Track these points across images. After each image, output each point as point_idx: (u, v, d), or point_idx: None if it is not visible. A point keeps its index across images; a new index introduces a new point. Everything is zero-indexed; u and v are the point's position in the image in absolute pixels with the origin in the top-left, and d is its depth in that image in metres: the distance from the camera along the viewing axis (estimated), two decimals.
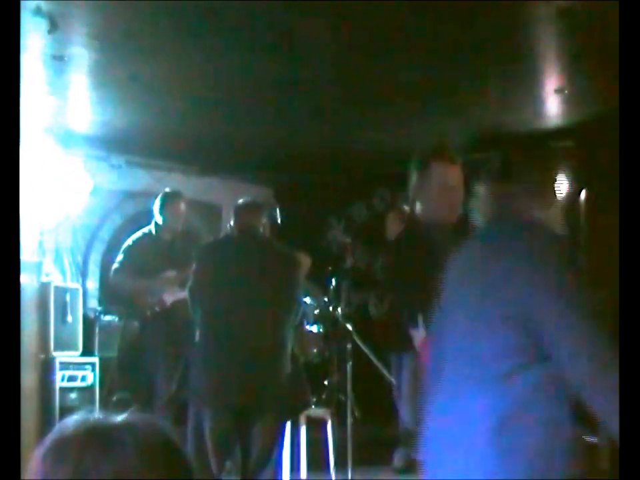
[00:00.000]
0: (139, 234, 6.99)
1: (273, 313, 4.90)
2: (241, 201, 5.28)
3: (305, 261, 5.20)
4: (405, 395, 6.88)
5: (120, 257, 6.90)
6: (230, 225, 5.24)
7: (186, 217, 7.16)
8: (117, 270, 6.89)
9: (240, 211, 5.15)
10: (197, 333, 5.04)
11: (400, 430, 6.96)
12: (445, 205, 3.69)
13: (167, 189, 7.03)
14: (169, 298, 6.68)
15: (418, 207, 3.82)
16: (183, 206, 6.97)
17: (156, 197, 6.96)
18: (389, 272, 4.12)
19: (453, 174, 3.71)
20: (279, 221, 7.41)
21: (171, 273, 6.74)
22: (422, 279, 3.28)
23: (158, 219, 6.86)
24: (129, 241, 6.96)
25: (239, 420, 4.86)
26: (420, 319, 3.40)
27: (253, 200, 5.33)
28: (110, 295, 7.60)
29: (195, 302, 5.09)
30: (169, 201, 6.88)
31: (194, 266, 5.15)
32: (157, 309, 6.73)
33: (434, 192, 3.69)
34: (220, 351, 4.84)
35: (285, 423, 5.19)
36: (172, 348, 6.36)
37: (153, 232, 6.90)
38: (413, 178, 3.79)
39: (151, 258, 6.75)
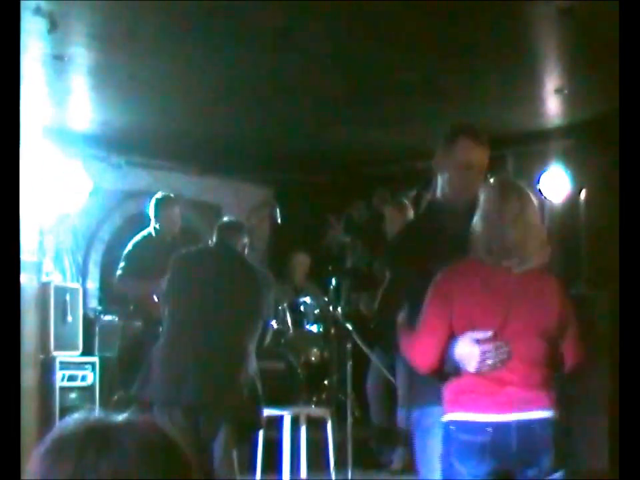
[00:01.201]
0: (138, 237, 6.97)
1: (237, 327, 5.02)
2: (224, 219, 5.57)
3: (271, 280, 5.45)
4: (399, 396, 6.87)
5: (122, 263, 6.89)
6: (211, 240, 5.42)
7: (184, 218, 7.16)
8: (120, 276, 6.88)
9: (221, 229, 5.33)
10: (160, 335, 5.19)
11: (397, 431, 6.97)
12: (463, 182, 3.68)
13: (159, 194, 6.98)
14: None
15: (438, 181, 3.83)
16: (177, 209, 6.96)
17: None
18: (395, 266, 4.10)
19: (477, 153, 3.70)
20: (279, 221, 7.43)
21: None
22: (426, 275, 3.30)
23: (154, 223, 6.85)
24: (129, 246, 6.95)
25: (195, 419, 4.93)
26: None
27: (235, 221, 5.57)
28: (113, 298, 7.60)
29: (164, 306, 5.27)
30: (161, 206, 6.87)
31: (168, 273, 5.25)
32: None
33: (455, 166, 3.70)
34: (180, 352, 4.96)
35: (244, 431, 5.24)
36: None
37: (153, 234, 6.90)
38: (439, 151, 3.81)
39: (153, 260, 6.74)
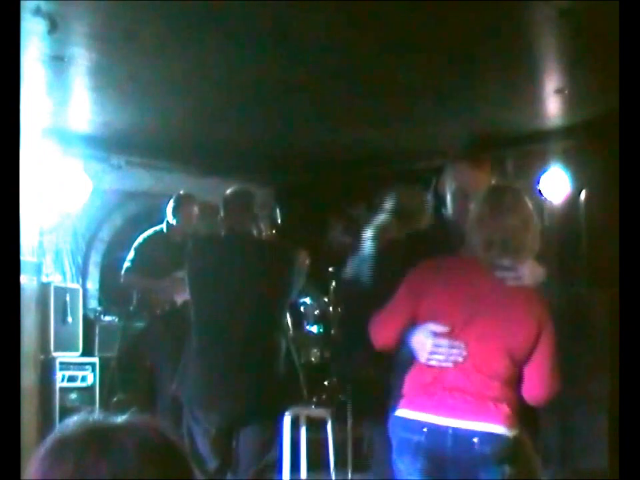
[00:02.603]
0: (150, 232, 6.99)
1: (264, 315, 4.78)
2: (229, 191, 4.96)
3: (302, 256, 5.06)
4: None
5: (131, 255, 6.89)
6: (220, 218, 4.95)
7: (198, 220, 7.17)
8: (128, 269, 6.88)
9: (227, 208, 4.89)
10: (192, 334, 5.02)
11: None
12: (457, 209, 3.72)
13: (182, 191, 7.06)
14: (180, 298, 6.68)
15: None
16: (196, 209, 7.03)
17: (156, 198, 6.97)
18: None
19: (474, 179, 3.74)
20: (279, 221, 7.43)
21: (181, 274, 6.74)
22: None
23: (170, 219, 6.87)
24: (140, 239, 6.95)
25: (229, 423, 4.85)
26: None
27: (240, 191, 4.99)
28: (114, 292, 7.59)
29: (191, 303, 5.05)
30: (183, 203, 6.92)
31: (185, 269, 5.05)
32: (167, 307, 6.74)
33: (452, 192, 3.76)
34: (211, 354, 4.79)
35: (276, 422, 5.17)
36: (177, 348, 6.36)
37: (165, 231, 6.92)
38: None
39: (162, 257, 6.75)
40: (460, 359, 3.16)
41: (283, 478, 5.98)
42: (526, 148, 7.64)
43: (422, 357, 3.22)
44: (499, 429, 3.12)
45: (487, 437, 3.11)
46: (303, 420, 6.22)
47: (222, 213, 4.91)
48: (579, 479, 5.18)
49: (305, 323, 7.18)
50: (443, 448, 3.13)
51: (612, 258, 3.31)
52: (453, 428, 3.12)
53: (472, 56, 5.53)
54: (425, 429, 3.16)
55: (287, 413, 6.07)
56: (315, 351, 6.96)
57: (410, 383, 3.28)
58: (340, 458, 6.20)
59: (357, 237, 8.70)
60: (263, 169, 8.65)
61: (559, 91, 6.27)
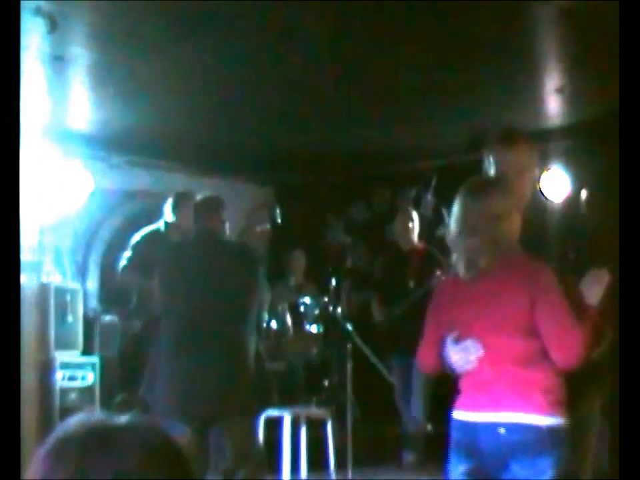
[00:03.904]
0: (147, 230, 6.97)
1: (233, 315, 4.89)
2: (198, 198, 5.25)
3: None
4: (416, 395, 6.93)
5: (128, 254, 6.88)
6: (191, 222, 5.21)
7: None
8: (125, 267, 6.87)
9: (197, 211, 5.14)
10: (161, 338, 5.07)
11: (408, 430, 7.00)
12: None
13: (180, 189, 7.04)
14: None
15: None
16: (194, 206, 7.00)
17: (156, 197, 6.96)
18: None
19: (510, 158, 3.72)
20: (279, 221, 7.43)
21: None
22: None
23: (169, 217, 6.86)
24: (137, 237, 6.94)
25: (205, 427, 4.87)
26: None
27: (210, 197, 5.24)
28: (114, 292, 7.59)
29: (162, 305, 5.16)
30: (182, 201, 6.90)
31: (157, 270, 5.16)
32: None
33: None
34: (181, 360, 4.84)
35: (254, 421, 5.19)
36: None
37: (162, 229, 6.91)
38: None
39: (157, 256, 6.74)
40: (477, 355, 3.22)
41: (283, 478, 5.98)
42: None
43: (454, 367, 3.31)
44: (528, 418, 3.11)
45: (514, 427, 3.11)
46: (303, 420, 6.22)
47: (193, 218, 5.17)
48: (579, 479, 5.15)
49: (305, 323, 7.18)
50: (476, 444, 3.17)
51: (612, 258, 3.31)
52: (483, 422, 3.17)
53: (472, 56, 5.53)
54: (459, 427, 3.26)
55: (286, 413, 6.08)
56: (315, 351, 6.96)
57: (459, 389, 3.38)
58: (340, 458, 6.20)
59: (357, 237, 8.71)
60: (263, 168, 8.65)
61: (559, 91, 6.27)
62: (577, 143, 7.38)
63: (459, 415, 3.27)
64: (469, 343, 3.23)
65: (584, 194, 7.19)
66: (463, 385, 3.30)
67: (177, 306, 4.97)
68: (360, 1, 4.65)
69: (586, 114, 6.86)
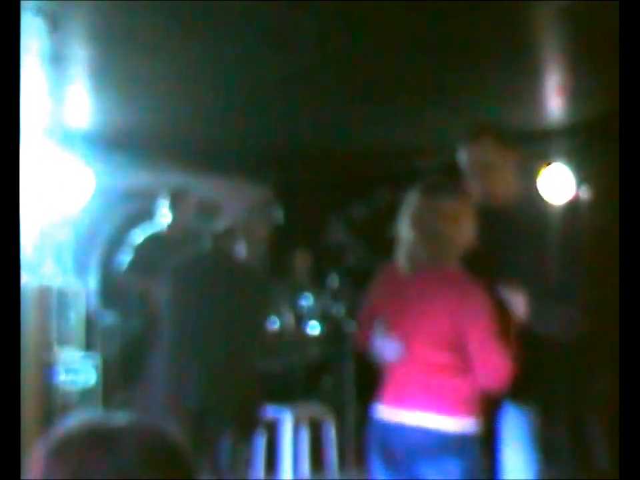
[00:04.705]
0: (148, 231, 6.98)
1: (238, 335, 5.02)
2: (217, 226, 5.48)
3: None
4: None
5: (131, 256, 6.89)
6: (207, 243, 5.35)
7: (194, 215, 7.18)
8: (128, 268, 6.88)
9: (215, 236, 5.32)
10: (159, 346, 5.18)
11: None
12: (482, 184, 3.73)
13: (176, 187, 7.05)
14: None
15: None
16: (192, 204, 7.01)
17: (157, 197, 6.96)
18: None
19: (496, 155, 3.72)
20: (279, 221, 7.44)
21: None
22: None
23: (167, 216, 6.86)
24: (140, 239, 6.95)
25: (205, 427, 4.90)
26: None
27: (229, 226, 5.47)
28: (116, 293, 7.60)
29: (164, 317, 5.26)
30: (178, 198, 6.91)
31: (168, 284, 5.26)
32: None
33: (472, 167, 3.77)
34: (181, 362, 4.93)
35: (254, 420, 5.24)
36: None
37: (163, 230, 6.91)
38: (462, 150, 3.82)
39: (161, 256, 6.74)
40: (397, 354, 3.25)
41: (283, 478, 5.98)
42: (527, 147, 7.63)
43: (377, 357, 3.38)
44: (438, 422, 3.14)
45: (424, 429, 3.14)
46: (303, 420, 6.23)
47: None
48: (579, 479, 5.17)
49: (305, 323, 7.18)
50: (388, 444, 3.21)
51: (612, 258, 3.31)
52: (395, 420, 3.21)
53: (473, 56, 5.53)
54: (372, 426, 3.31)
55: (287, 413, 6.08)
56: (315, 351, 6.96)
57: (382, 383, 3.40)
58: (340, 458, 6.21)
59: (357, 237, 8.70)
60: (262, 168, 8.65)
61: (559, 91, 6.27)
62: (577, 142, 7.38)
63: (377, 409, 3.30)
64: (392, 340, 3.27)
65: (585, 193, 7.18)
66: (385, 378, 3.34)
67: (182, 318, 5.10)
68: (360, 1, 4.65)
69: (587, 114, 6.87)
